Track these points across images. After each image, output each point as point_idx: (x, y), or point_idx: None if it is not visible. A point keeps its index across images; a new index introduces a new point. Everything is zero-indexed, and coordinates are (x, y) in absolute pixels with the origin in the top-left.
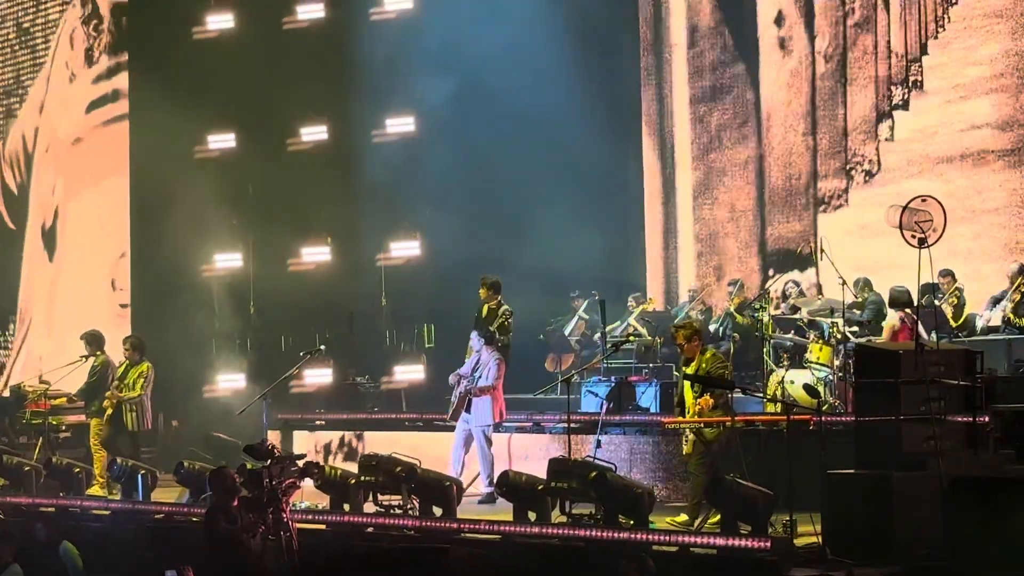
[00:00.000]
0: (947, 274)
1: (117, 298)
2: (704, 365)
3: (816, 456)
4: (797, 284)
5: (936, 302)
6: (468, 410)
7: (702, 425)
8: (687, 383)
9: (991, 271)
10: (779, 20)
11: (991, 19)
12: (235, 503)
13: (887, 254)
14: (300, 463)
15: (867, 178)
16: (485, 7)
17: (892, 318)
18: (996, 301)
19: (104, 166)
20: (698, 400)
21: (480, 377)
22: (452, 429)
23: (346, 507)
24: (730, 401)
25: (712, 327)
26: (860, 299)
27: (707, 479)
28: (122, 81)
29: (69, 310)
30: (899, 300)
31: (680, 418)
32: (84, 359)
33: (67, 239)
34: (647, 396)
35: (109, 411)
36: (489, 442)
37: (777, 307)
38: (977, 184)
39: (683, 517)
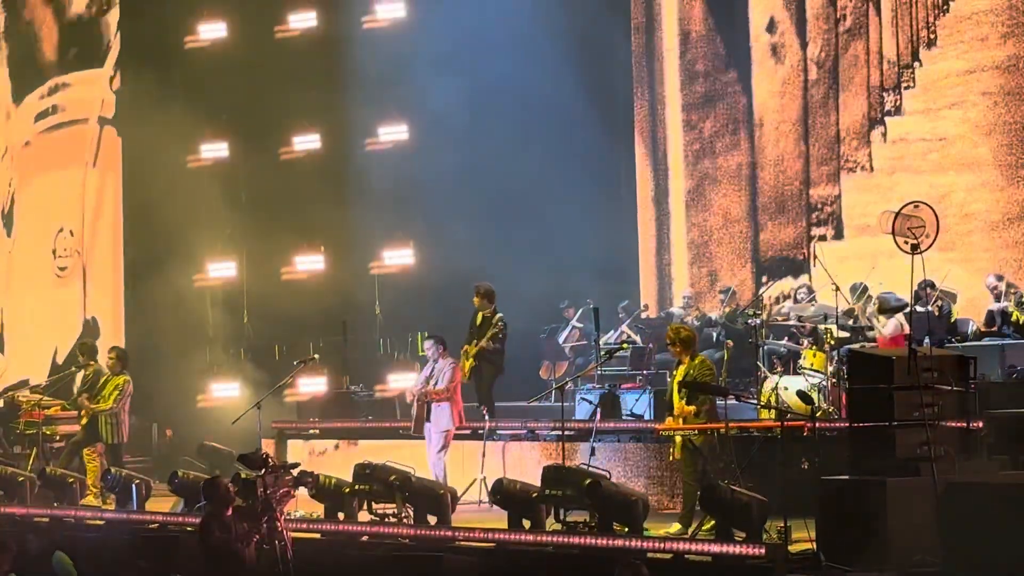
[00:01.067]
0: (928, 285)
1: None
2: (692, 372)
3: (810, 462)
4: (807, 288)
5: (919, 308)
6: (429, 418)
7: (695, 432)
8: (676, 387)
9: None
10: (771, 27)
11: (982, 25)
12: (229, 512)
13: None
14: (294, 472)
15: (859, 184)
16: (477, 16)
17: (900, 322)
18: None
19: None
20: (678, 407)
21: (436, 382)
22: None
23: (341, 516)
24: (715, 408)
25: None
26: (855, 305)
27: (699, 487)
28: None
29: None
30: (889, 306)
31: (672, 424)
32: (77, 369)
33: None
34: (641, 403)
35: (84, 420)
36: (446, 448)
37: (771, 314)
38: (970, 190)
39: (676, 527)
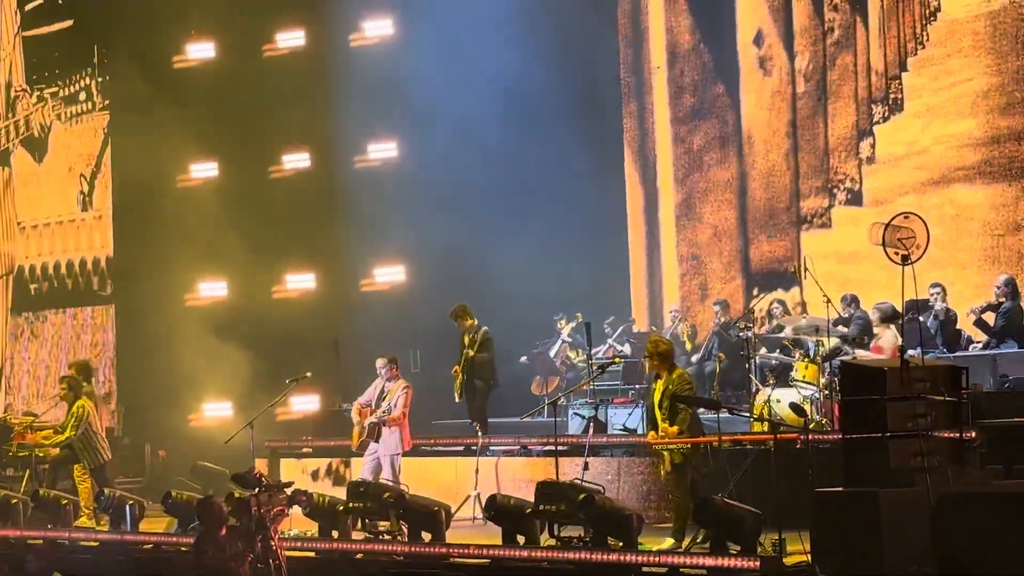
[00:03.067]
0: (937, 286)
1: None
2: (671, 386)
3: (804, 474)
4: (781, 303)
5: (920, 317)
6: (377, 440)
7: (676, 447)
8: (655, 402)
9: (974, 286)
10: (758, 40)
11: (970, 35)
12: (223, 532)
13: (870, 271)
14: (287, 491)
15: (849, 196)
16: (464, 32)
17: (894, 335)
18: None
19: None
20: (662, 427)
21: (392, 407)
22: (440, 453)
23: (335, 534)
24: (698, 420)
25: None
26: (847, 316)
27: (690, 501)
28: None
29: None
30: (889, 316)
31: (664, 438)
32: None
33: None
34: (633, 417)
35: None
36: (397, 470)
37: (762, 327)
38: (960, 200)
39: (668, 542)
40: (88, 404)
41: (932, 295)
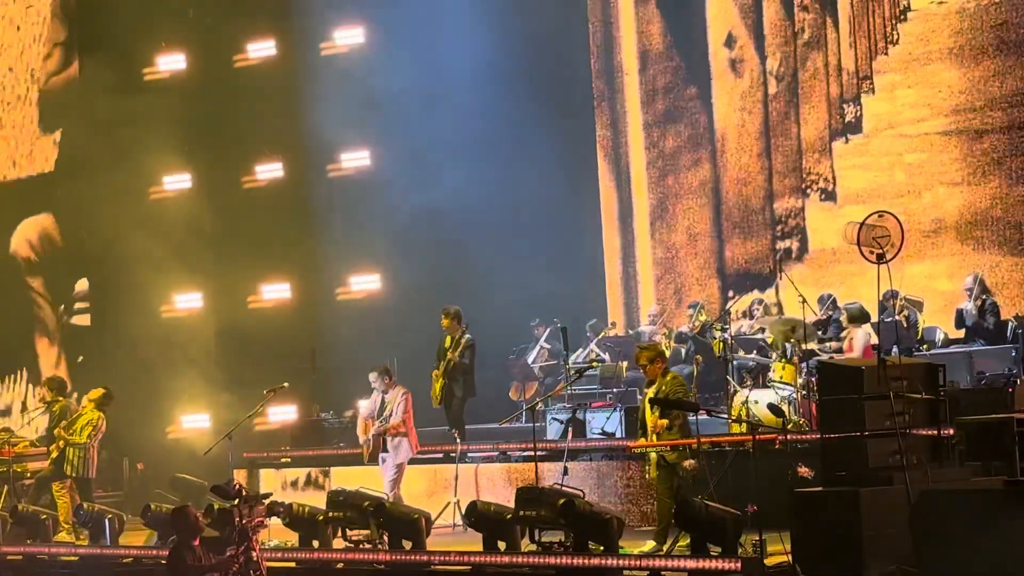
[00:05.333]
0: (893, 296)
1: None
2: (664, 388)
3: (783, 475)
4: (762, 302)
5: (886, 319)
6: (385, 449)
7: (667, 448)
8: (648, 405)
9: (948, 284)
10: (729, 42)
11: (940, 34)
12: (197, 542)
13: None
14: (265, 502)
15: (823, 196)
16: (435, 39)
17: (864, 335)
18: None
19: None
20: (657, 422)
21: (391, 415)
22: (420, 460)
23: (315, 544)
24: (688, 423)
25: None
26: (825, 316)
27: (674, 503)
28: None
29: None
30: (856, 316)
31: (645, 441)
32: (47, 405)
33: None
34: (612, 421)
35: (54, 453)
36: (399, 480)
37: (742, 328)
38: (932, 197)
39: (650, 544)
40: (104, 419)
41: (887, 304)
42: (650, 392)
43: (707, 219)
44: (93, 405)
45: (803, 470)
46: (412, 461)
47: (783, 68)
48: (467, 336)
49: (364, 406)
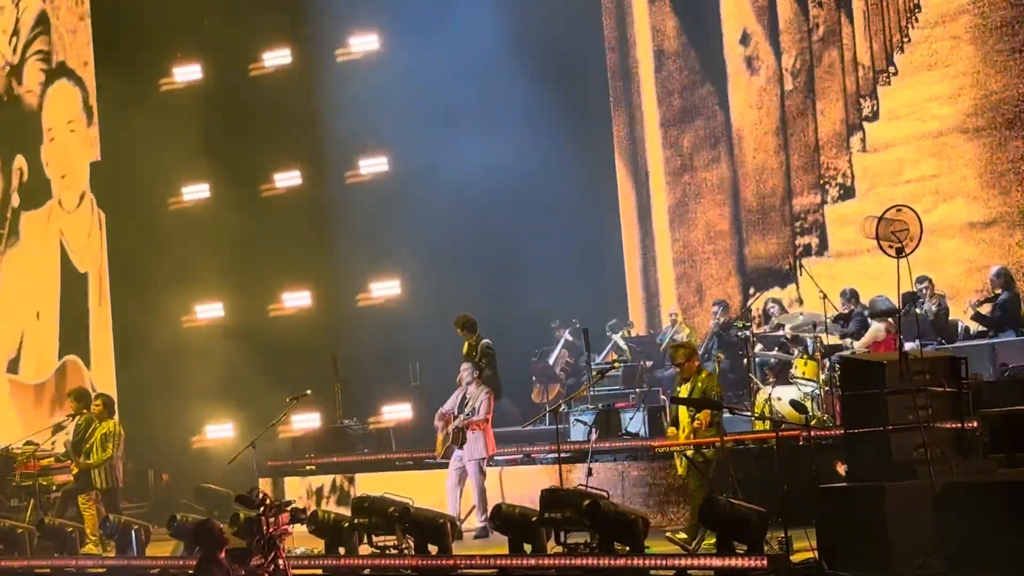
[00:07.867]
0: (924, 280)
1: None
2: (700, 384)
3: (808, 471)
4: (777, 302)
5: (917, 310)
6: (460, 446)
7: (704, 446)
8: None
9: (967, 278)
10: (744, 39)
11: (955, 26)
12: (223, 555)
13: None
14: (288, 509)
15: (841, 191)
16: (450, 42)
17: (876, 329)
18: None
19: None
20: (696, 416)
21: (474, 411)
22: (442, 466)
23: (341, 550)
24: (722, 420)
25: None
26: (847, 311)
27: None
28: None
29: None
30: (880, 311)
31: (672, 441)
32: (71, 418)
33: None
34: (635, 421)
35: (74, 470)
36: (483, 475)
37: (760, 326)
38: (948, 192)
39: (682, 535)
40: (119, 425)
41: (919, 289)
42: (683, 389)
43: (726, 217)
44: (107, 414)
45: (842, 467)
46: (432, 466)
47: (798, 64)
48: (484, 341)
49: (447, 402)
